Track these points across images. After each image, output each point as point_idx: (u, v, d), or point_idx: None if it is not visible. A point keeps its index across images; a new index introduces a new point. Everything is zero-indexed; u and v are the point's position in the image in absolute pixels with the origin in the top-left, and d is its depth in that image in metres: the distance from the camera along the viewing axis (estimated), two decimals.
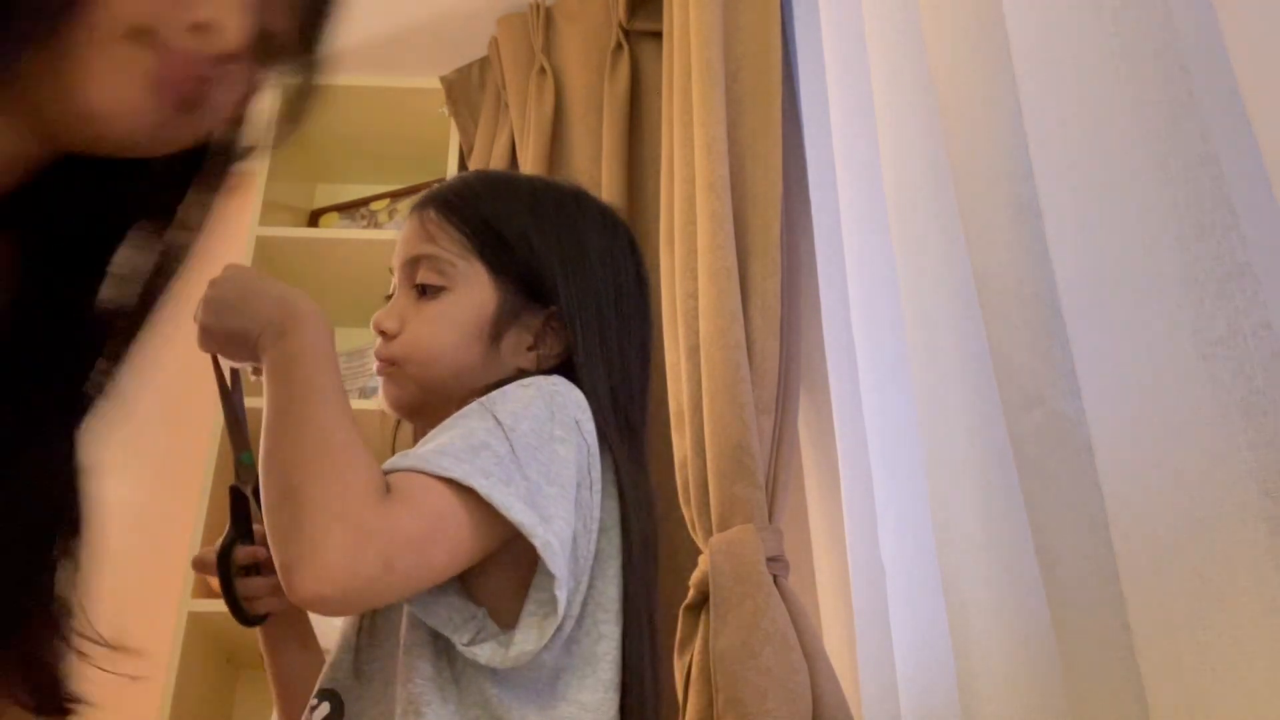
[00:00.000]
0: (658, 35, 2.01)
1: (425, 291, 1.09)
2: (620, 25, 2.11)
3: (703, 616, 1.46)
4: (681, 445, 1.57)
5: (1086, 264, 0.80)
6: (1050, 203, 0.84)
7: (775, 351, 1.56)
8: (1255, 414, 0.68)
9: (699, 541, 1.53)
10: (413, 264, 1.11)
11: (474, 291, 1.09)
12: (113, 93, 0.61)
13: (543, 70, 2.22)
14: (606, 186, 1.97)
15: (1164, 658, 0.71)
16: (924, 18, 1.11)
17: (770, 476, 1.52)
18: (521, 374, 1.07)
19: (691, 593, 1.49)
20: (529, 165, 2.13)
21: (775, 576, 1.45)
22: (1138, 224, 0.76)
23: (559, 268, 1.11)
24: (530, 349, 1.11)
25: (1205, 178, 0.73)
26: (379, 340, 1.10)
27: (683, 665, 1.47)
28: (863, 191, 1.42)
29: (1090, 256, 0.80)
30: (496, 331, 1.09)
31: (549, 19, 2.27)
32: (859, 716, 1.41)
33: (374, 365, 1.11)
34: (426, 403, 1.10)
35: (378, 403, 1.14)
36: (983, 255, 0.96)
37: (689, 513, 1.55)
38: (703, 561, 1.49)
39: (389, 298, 1.14)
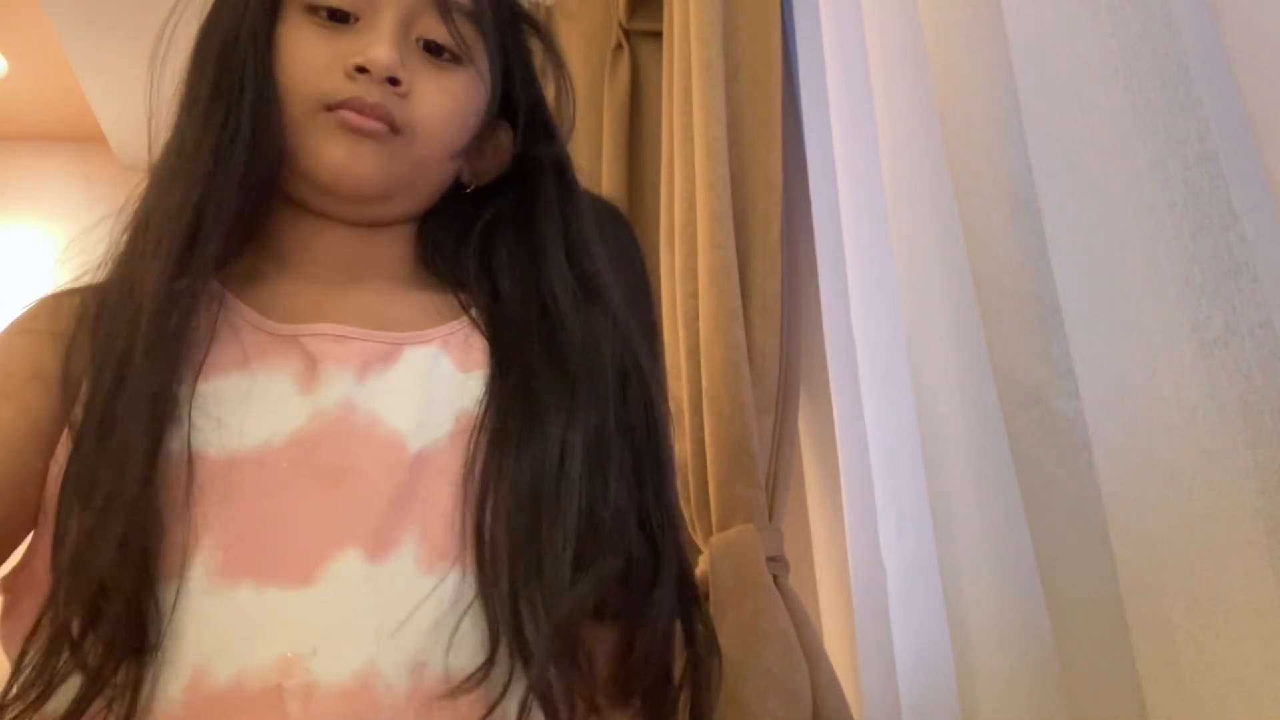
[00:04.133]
0: (658, 35, 2.01)
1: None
2: (620, 25, 2.11)
3: None
4: (681, 445, 1.57)
5: (1084, 262, 0.80)
6: (1048, 201, 0.84)
7: (775, 351, 1.56)
8: (1253, 413, 0.68)
9: (699, 541, 1.53)
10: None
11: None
12: (329, 155, 0.79)
13: (543, 70, 2.21)
14: (606, 186, 1.97)
15: (1161, 657, 0.71)
16: (924, 18, 1.11)
17: (770, 476, 1.52)
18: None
19: None
20: None
21: (775, 576, 1.45)
22: (1136, 222, 0.76)
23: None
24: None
25: (1203, 176, 0.73)
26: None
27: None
28: (863, 191, 1.42)
29: (1088, 255, 0.80)
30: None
31: (549, 19, 2.27)
32: (859, 716, 1.41)
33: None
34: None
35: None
36: (981, 254, 0.96)
37: (689, 512, 1.55)
38: (702, 561, 1.49)
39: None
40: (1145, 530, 0.73)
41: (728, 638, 1.40)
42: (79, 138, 3.33)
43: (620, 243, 1.22)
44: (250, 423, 0.73)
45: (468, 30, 0.83)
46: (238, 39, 0.80)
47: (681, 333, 1.62)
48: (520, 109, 0.90)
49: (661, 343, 1.50)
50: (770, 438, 1.53)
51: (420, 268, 0.89)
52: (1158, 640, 0.71)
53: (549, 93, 0.92)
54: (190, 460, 0.70)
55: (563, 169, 0.90)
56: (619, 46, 2.11)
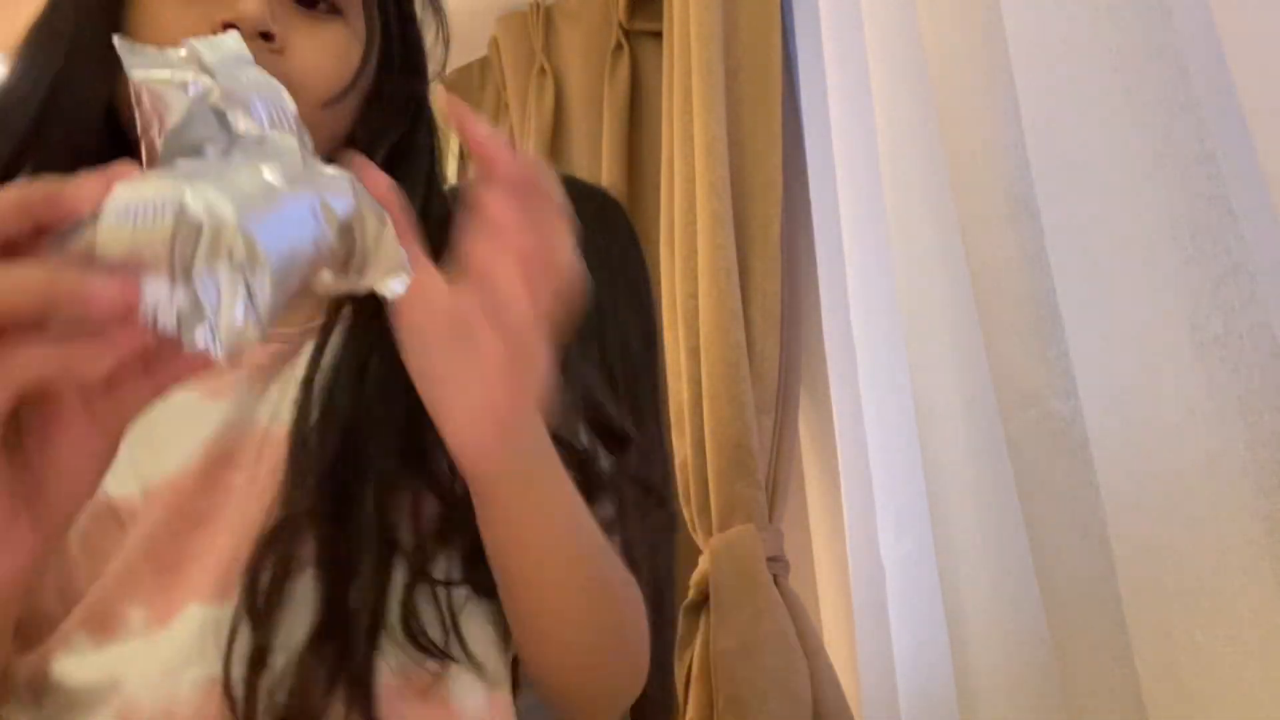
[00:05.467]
0: (658, 35, 2.01)
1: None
2: (620, 25, 2.12)
3: (703, 616, 1.47)
4: (681, 445, 1.57)
5: (1083, 263, 0.80)
6: (1047, 201, 0.84)
7: (775, 351, 1.56)
8: (1251, 413, 0.68)
9: (699, 541, 1.53)
10: None
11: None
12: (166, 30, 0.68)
13: (543, 70, 2.22)
14: (606, 186, 1.97)
15: (1159, 655, 0.71)
16: (924, 18, 1.11)
17: (770, 476, 1.52)
18: None
19: (691, 592, 1.49)
20: None
21: (775, 576, 1.45)
22: (1134, 223, 0.76)
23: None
24: None
25: (1202, 177, 0.73)
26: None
27: (683, 665, 1.47)
28: (863, 191, 1.42)
29: (1086, 255, 0.80)
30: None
31: (549, 19, 2.27)
32: (859, 716, 1.41)
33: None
34: None
35: None
36: (980, 254, 0.96)
37: (689, 512, 1.55)
38: (703, 561, 1.49)
39: None
40: (1144, 530, 0.73)
41: (728, 638, 1.40)
42: None
43: (611, 230, 1.22)
44: (163, 450, 0.68)
45: None
46: (77, 4, 0.72)
47: (681, 333, 1.62)
48: (395, 56, 0.81)
49: (660, 337, 1.50)
50: (770, 438, 1.53)
51: None
52: (1156, 639, 0.71)
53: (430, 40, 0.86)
54: (105, 509, 0.66)
55: (421, 103, 0.83)
56: (619, 46, 2.11)
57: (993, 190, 0.95)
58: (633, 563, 0.78)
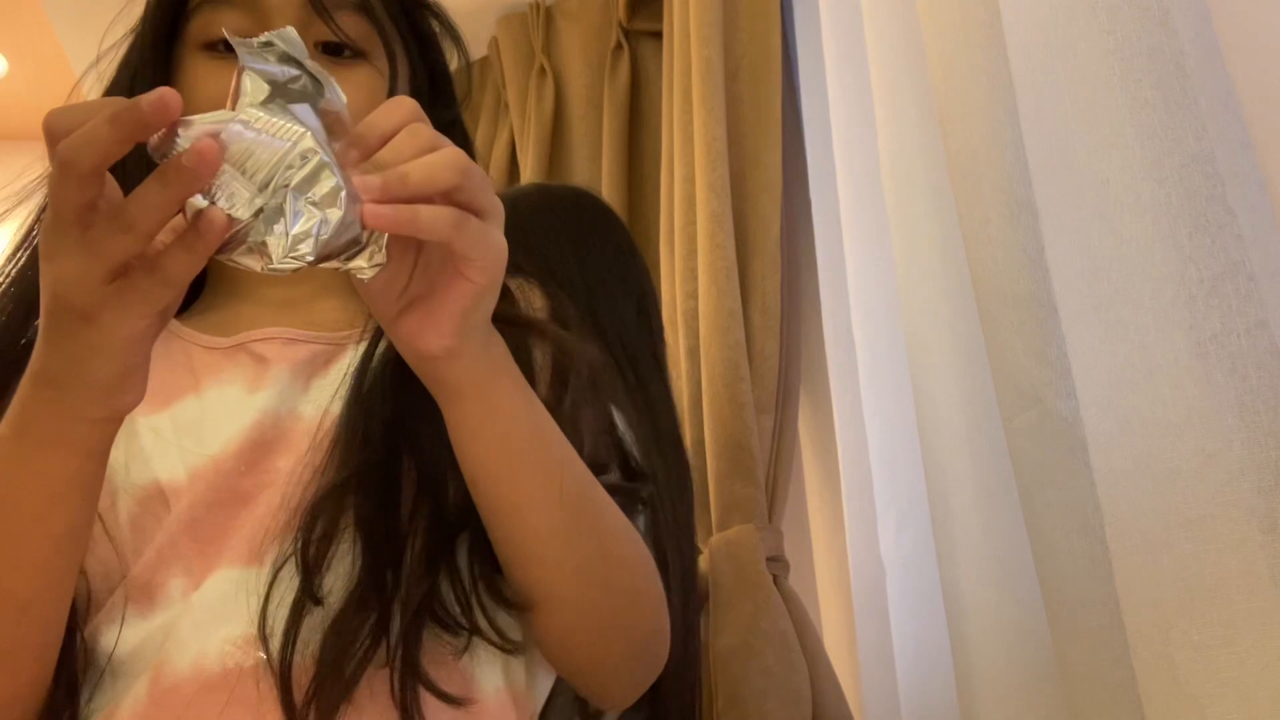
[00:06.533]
0: (658, 35, 2.01)
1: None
2: (620, 25, 2.12)
3: (702, 616, 1.47)
4: None
5: (1081, 261, 0.80)
6: (1046, 201, 0.84)
7: (775, 351, 1.56)
8: (1248, 412, 0.68)
9: (699, 541, 1.53)
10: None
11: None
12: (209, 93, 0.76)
13: (543, 70, 2.22)
14: (606, 186, 1.97)
15: (1157, 656, 0.71)
16: (923, 18, 1.11)
17: (770, 476, 1.52)
18: None
19: None
20: (529, 165, 2.13)
21: (775, 576, 1.45)
22: (1132, 222, 0.76)
23: None
24: None
25: (1200, 176, 0.73)
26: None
27: None
28: (862, 191, 1.42)
29: (1085, 254, 0.80)
30: None
31: (549, 19, 2.27)
32: (859, 716, 1.41)
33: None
34: None
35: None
36: (980, 253, 0.96)
37: None
38: (702, 561, 1.49)
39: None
40: (1142, 529, 0.73)
41: (728, 638, 1.40)
42: None
43: (587, 218, 1.23)
44: (207, 436, 0.74)
45: (356, 24, 0.81)
46: (130, 90, 0.80)
47: (681, 333, 1.62)
48: (424, 87, 0.88)
49: (660, 330, 1.50)
50: (770, 438, 1.53)
51: None
52: (1154, 639, 0.71)
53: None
54: (154, 493, 0.72)
55: (454, 128, 0.88)
56: (619, 46, 2.12)
57: (992, 190, 0.95)
58: (660, 554, 0.79)
